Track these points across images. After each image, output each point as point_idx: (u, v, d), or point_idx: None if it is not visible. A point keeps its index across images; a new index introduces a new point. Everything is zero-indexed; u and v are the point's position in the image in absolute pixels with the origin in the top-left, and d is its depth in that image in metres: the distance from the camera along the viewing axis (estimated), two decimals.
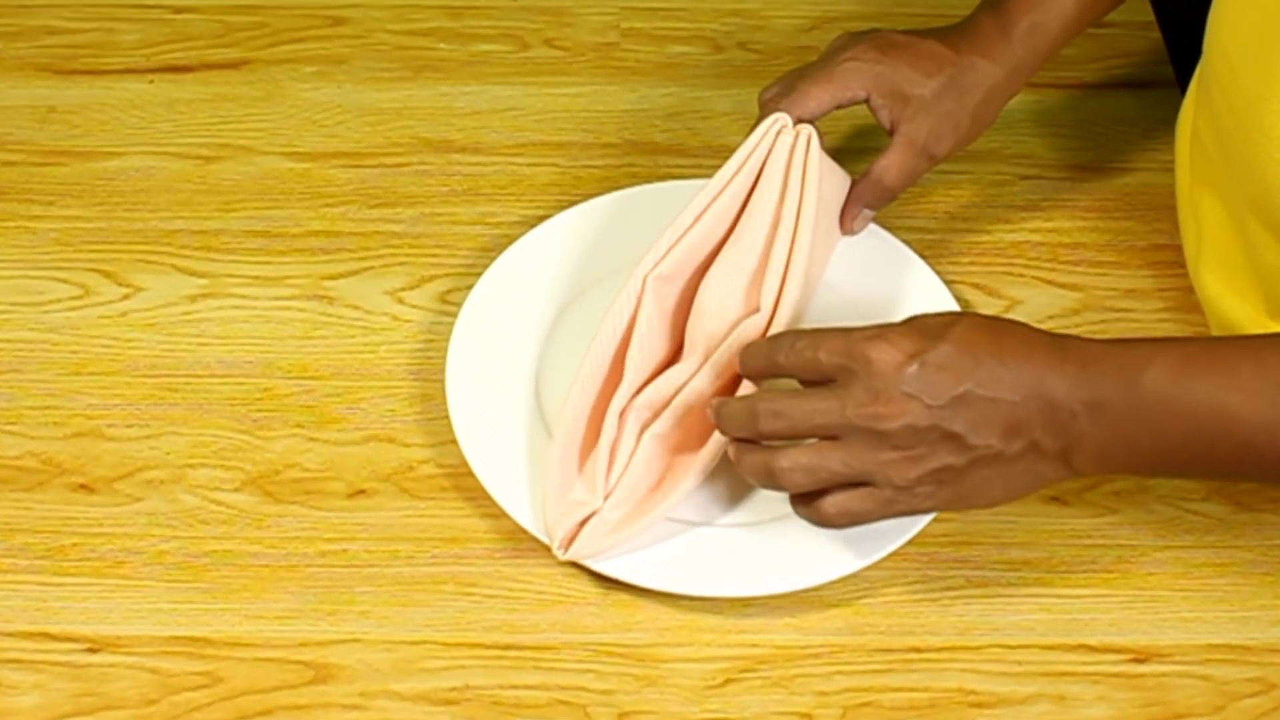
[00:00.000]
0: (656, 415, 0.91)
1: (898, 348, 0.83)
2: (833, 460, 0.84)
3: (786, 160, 0.96)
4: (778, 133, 0.96)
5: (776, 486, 0.86)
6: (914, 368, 0.82)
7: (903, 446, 0.83)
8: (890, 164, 0.99)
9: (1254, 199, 0.90)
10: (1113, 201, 1.08)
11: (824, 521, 0.86)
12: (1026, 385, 0.83)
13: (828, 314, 0.99)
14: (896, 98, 0.98)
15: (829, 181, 0.97)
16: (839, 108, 0.98)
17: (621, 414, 0.91)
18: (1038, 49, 1.00)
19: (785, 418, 0.85)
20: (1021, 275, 1.04)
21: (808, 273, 0.94)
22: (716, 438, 0.89)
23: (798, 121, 0.97)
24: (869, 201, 1.01)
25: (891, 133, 0.99)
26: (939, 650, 0.89)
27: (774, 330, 0.93)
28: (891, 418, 0.82)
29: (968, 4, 1.03)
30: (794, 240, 0.94)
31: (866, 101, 0.98)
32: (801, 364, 0.85)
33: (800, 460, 0.84)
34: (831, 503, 0.85)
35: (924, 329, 0.84)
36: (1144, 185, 1.08)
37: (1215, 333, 0.97)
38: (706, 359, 0.92)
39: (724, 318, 0.93)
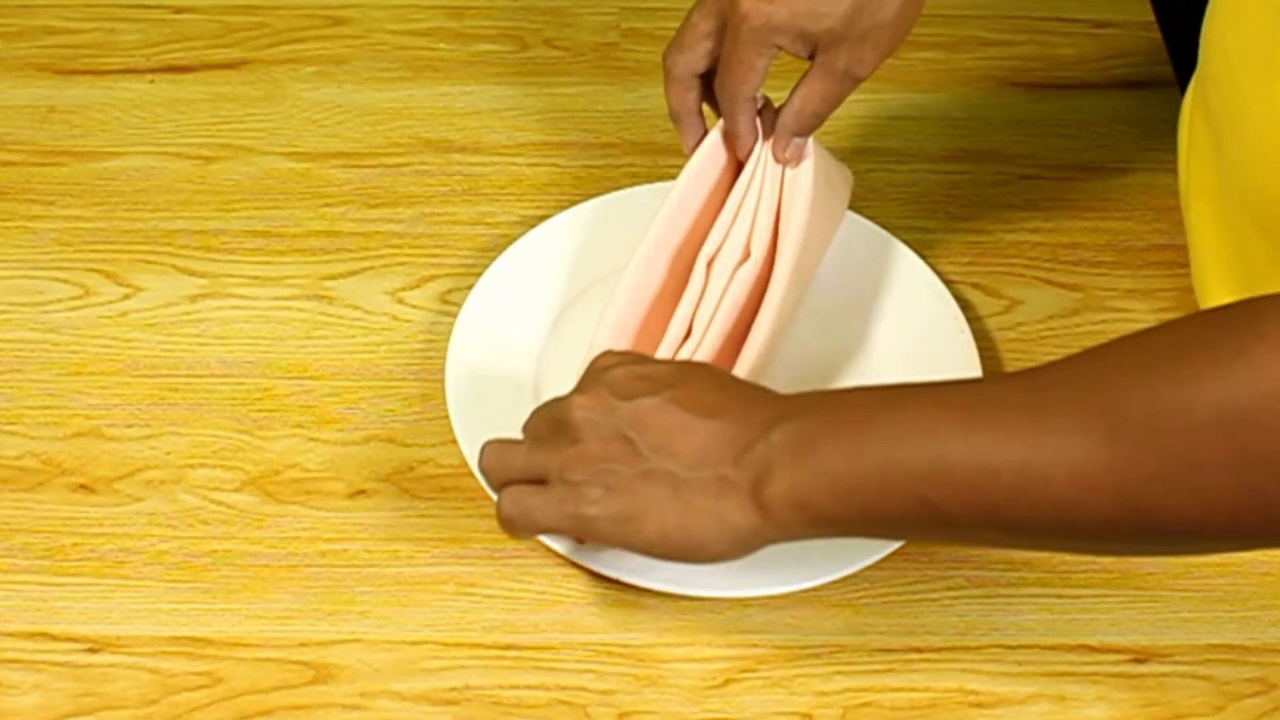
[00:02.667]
0: None
1: (617, 355, 0.86)
2: (517, 454, 0.86)
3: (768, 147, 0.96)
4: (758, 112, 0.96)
5: (483, 477, 0.88)
6: (619, 369, 0.84)
7: (579, 440, 0.83)
8: (811, 91, 0.94)
9: (1247, 199, 0.90)
10: (1113, 201, 1.08)
11: (503, 520, 0.85)
12: (726, 416, 0.81)
13: (826, 313, 0.99)
14: (804, 38, 0.92)
15: (817, 151, 0.97)
16: (766, 72, 0.94)
17: None
18: None
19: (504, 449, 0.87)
20: (1021, 275, 1.04)
21: (808, 233, 0.94)
22: None
23: (754, 103, 0.94)
24: (795, 130, 0.95)
25: (810, 64, 0.94)
26: (939, 650, 0.89)
27: (774, 283, 0.93)
28: (576, 406, 0.83)
29: (966, 3, 1.03)
30: (781, 198, 0.94)
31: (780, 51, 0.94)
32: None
33: (494, 453, 0.87)
34: (507, 495, 0.85)
35: (662, 360, 0.87)
36: (1144, 185, 1.08)
37: None
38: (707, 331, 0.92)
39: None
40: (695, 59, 0.96)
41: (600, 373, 0.85)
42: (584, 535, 0.86)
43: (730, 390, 0.84)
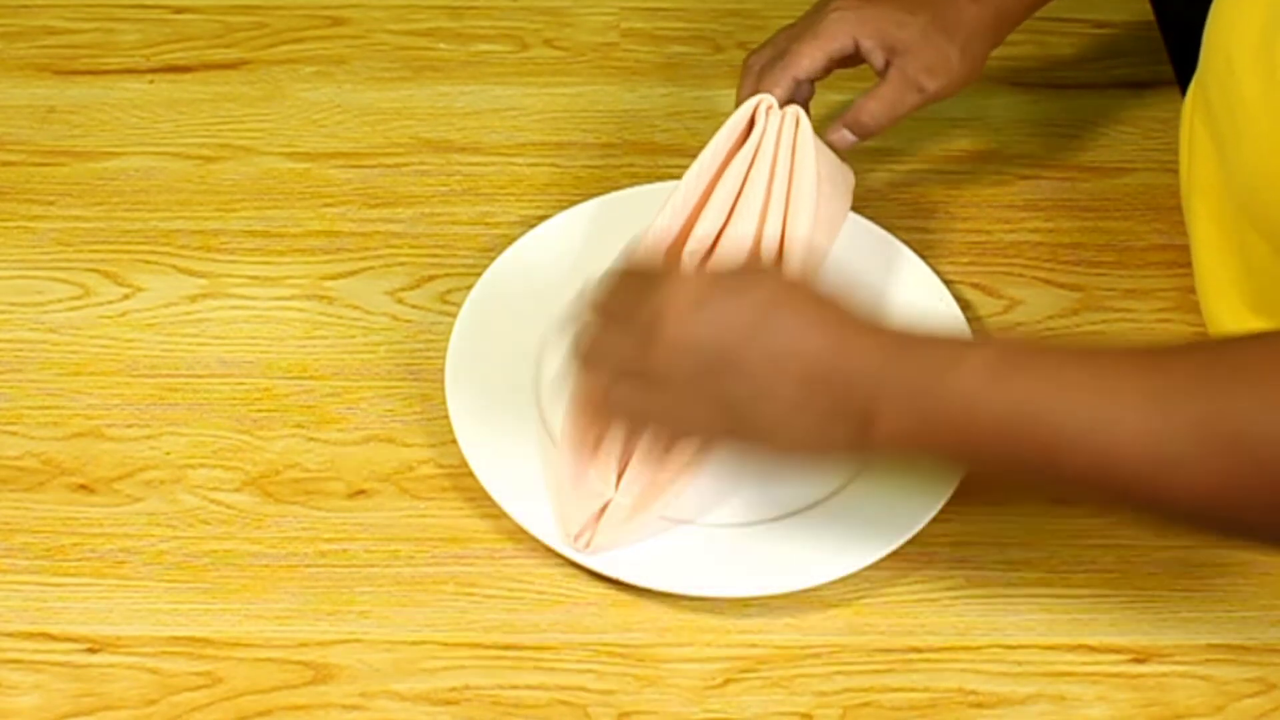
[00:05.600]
0: None
1: (693, 291, 0.81)
2: (616, 347, 0.83)
3: (775, 143, 0.95)
4: (765, 114, 0.96)
5: (575, 363, 0.85)
6: (708, 309, 0.80)
7: (669, 388, 0.81)
8: (881, 93, 0.99)
9: (1247, 199, 0.90)
10: (1113, 201, 1.08)
11: (608, 410, 0.86)
12: (830, 349, 0.79)
13: None
14: (884, 39, 0.98)
15: (821, 152, 0.97)
16: (832, 62, 0.99)
17: None
18: None
19: (601, 306, 0.84)
20: (1021, 275, 1.04)
21: (812, 235, 0.94)
22: None
23: (795, 83, 0.98)
24: (857, 122, 1.00)
25: (882, 74, 0.99)
26: (939, 650, 0.89)
27: None
28: (665, 348, 0.80)
29: None
30: (789, 203, 0.94)
31: (856, 50, 0.99)
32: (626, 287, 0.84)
33: (602, 339, 0.84)
34: (617, 391, 0.84)
35: (728, 279, 0.81)
36: (1144, 185, 1.08)
37: (1211, 332, 0.97)
38: None
39: None
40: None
41: (688, 313, 0.80)
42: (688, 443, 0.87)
43: (830, 320, 0.81)
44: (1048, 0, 1.02)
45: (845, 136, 1.00)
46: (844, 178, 1.01)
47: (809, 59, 0.98)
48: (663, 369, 0.81)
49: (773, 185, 0.94)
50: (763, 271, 0.84)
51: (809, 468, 0.85)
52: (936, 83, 0.99)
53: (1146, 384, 0.75)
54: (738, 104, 0.98)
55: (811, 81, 0.99)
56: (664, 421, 0.83)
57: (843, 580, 0.90)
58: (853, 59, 1.00)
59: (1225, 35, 0.91)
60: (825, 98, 1.07)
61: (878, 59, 0.99)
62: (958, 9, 0.99)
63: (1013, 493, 0.93)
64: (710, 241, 0.94)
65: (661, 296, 0.81)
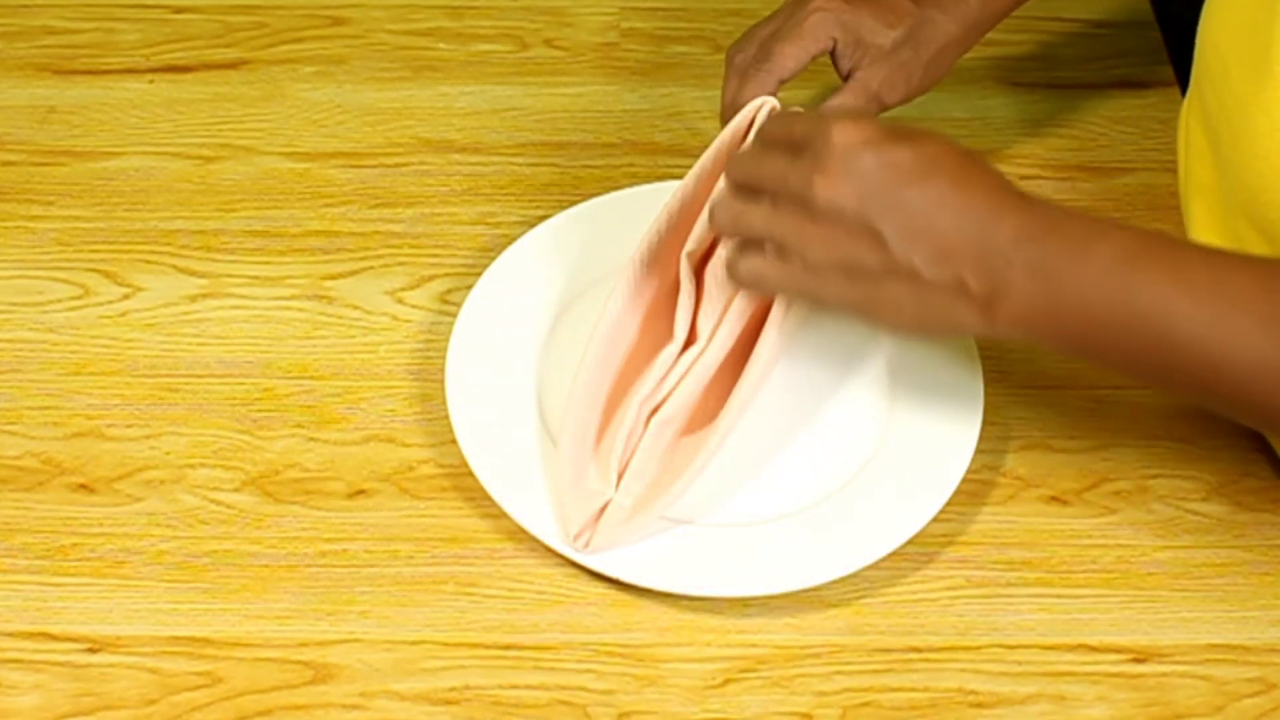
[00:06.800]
0: (664, 401, 0.91)
1: (860, 131, 0.83)
2: (758, 215, 0.85)
3: None
4: (766, 116, 0.96)
5: (711, 224, 0.89)
6: (867, 154, 0.82)
7: (825, 223, 0.83)
8: (840, 106, 1.00)
9: (1242, 198, 0.90)
10: (1113, 201, 1.08)
11: (733, 276, 0.87)
12: (972, 218, 0.82)
13: (825, 314, 0.98)
14: (858, 45, 0.99)
15: None
16: (813, 61, 0.99)
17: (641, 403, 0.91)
18: (994, 7, 1.02)
19: (744, 166, 0.87)
20: None
21: None
22: (725, 420, 0.89)
23: (780, 84, 0.98)
24: None
25: (845, 78, 1.00)
26: (939, 650, 0.89)
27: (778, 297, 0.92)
28: (823, 188, 0.82)
29: None
30: None
31: (832, 50, 1.00)
32: (779, 138, 0.86)
33: (731, 206, 0.87)
34: (744, 261, 0.86)
35: (899, 129, 0.83)
36: (1144, 185, 1.08)
37: None
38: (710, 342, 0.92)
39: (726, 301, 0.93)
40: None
41: (846, 152, 0.82)
42: (813, 308, 0.89)
43: (978, 187, 0.83)
44: (1012, 11, 1.03)
45: None
46: None
47: (793, 60, 0.98)
48: (824, 197, 0.82)
49: None
50: (931, 133, 0.85)
51: (929, 340, 0.91)
52: (895, 96, 1.00)
53: (1262, 306, 0.79)
54: (723, 101, 0.98)
55: (790, 80, 1.00)
56: (803, 262, 0.84)
57: (843, 580, 0.90)
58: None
59: (1217, 36, 0.91)
60: (825, 97, 1.07)
61: (844, 64, 1.00)
62: (934, 25, 1.00)
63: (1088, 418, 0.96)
64: (709, 241, 0.94)
65: (832, 129, 0.83)
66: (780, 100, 0.94)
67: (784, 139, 0.86)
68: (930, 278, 0.82)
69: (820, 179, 0.83)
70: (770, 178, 0.85)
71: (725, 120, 0.97)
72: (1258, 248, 0.90)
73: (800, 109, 0.96)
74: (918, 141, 0.83)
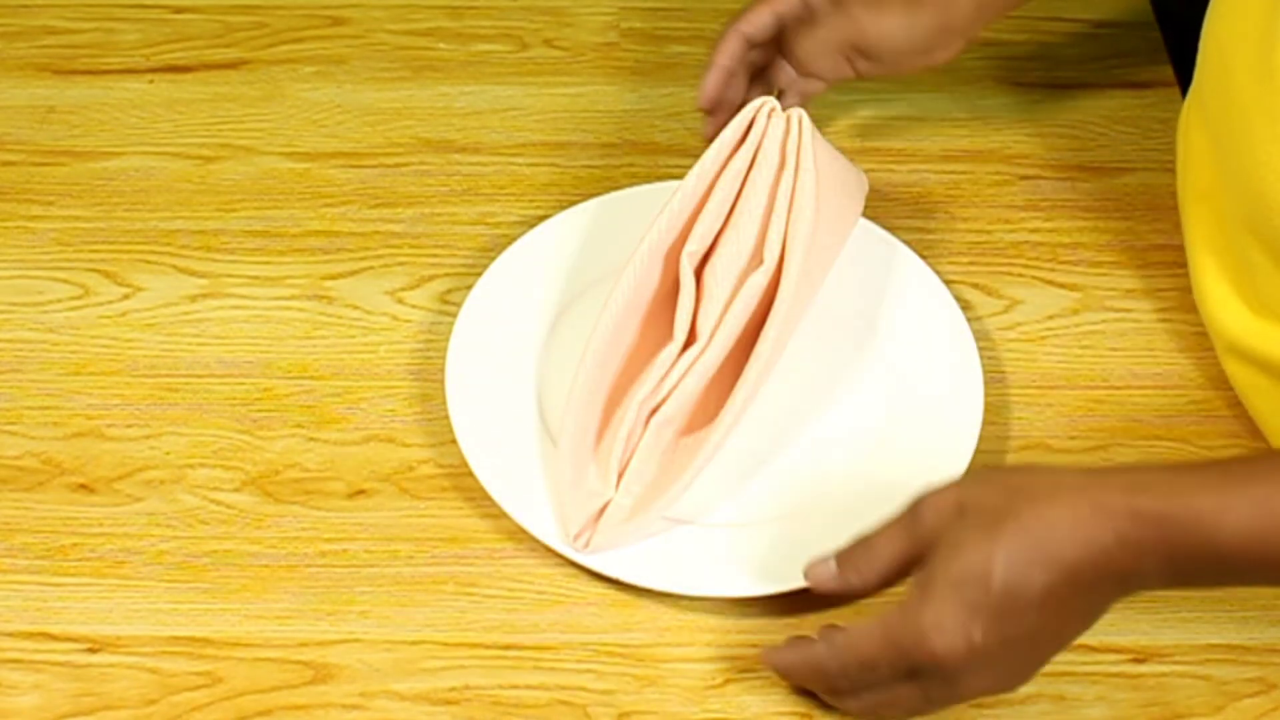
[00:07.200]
0: (664, 401, 0.91)
1: (958, 630, 0.78)
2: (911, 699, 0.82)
3: (780, 143, 0.95)
4: (768, 117, 0.96)
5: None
6: (976, 660, 0.78)
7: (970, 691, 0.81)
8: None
9: (1242, 204, 0.90)
10: (1112, 201, 1.08)
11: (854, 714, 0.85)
12: (1098, 591, 0.80)
13: (825, 314, 0.99)
14: (863, 52, 1.02)
15: (826, 154, 0.97)
16: (781, 20, 1.01)
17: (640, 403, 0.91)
18: None
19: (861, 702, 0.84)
20: (1021, 275, 1.04)
21: (815, 237, 0.94)
22: (725, 420, 0.89)
23: (745, 40, 1.00)
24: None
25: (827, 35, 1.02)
26: None
27: (783, 286, 0.92)
28: (969, 690, 0.81)
29: None
30: (792, 203, 0.94)
31: (807, 9, 1.01)
32: (868, 665, 0.81)
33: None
34: (861, 700, 0.83)
35: (971, 592, 0.78)
36: (1144, 185, 1.08)
37: (1210, 333, 0.97)
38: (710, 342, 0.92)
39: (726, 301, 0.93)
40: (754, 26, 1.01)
41: (962, 664, 0.79)
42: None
43: (1082, 566, 0.78)
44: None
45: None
46: (854, 180, 1.01)
47: (759, 16, 1.00)
48: (973, 690, 0.80)
49: (777, 187, 0.94)
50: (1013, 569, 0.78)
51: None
52: (866, 64, 1.02)
53: None
54: (704, 77, 1.01)
55: (765, 46, 1.01)
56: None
57: None
58: (805, 20, 1.02)
59: (1222, 40, 0.91)
60: (826, 97, 1.07)
61: (824, 17, 1.01)
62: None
63: None
64: (709, 242, 0.94)
65: (930, 640, 0.78)
66: (812, 109, 0.95)
67: (873, 665, 0.81)
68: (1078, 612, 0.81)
69: (958, 690, 0.80)
70: (904, 701, 0.82)
71: (705, 93, 1.00)
72: (1256, 256, 0.90)
73: (800, 109, 0.96)
74: (995, 585, 0.78)
